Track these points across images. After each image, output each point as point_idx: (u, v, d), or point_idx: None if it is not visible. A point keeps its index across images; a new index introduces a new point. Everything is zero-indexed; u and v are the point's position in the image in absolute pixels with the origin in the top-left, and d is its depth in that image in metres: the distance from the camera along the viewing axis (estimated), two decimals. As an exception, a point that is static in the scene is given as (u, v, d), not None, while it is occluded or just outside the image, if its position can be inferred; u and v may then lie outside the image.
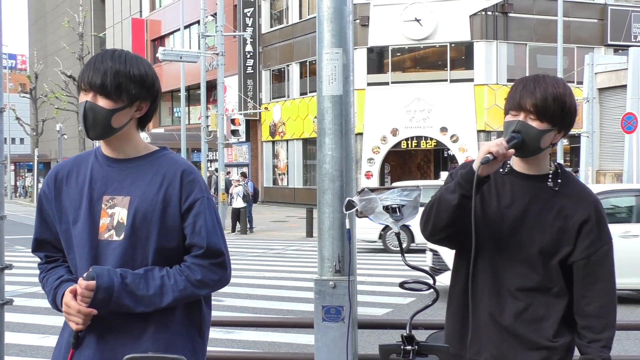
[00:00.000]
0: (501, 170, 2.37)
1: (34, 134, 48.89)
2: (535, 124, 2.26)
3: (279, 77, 35.52)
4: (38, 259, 2.34)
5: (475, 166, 2.19)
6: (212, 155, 32.17)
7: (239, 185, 22.57)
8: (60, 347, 2.26)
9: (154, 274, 2.16)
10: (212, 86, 28.41)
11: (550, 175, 2.36)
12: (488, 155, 2.16)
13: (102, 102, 2.15)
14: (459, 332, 2.36)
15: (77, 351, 2.20)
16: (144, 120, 2.29)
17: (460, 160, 27.70)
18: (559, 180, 2.35)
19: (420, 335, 2.36)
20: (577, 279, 2.30)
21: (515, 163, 2.39)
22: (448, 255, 8.69)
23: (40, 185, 43.66)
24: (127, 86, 2.17)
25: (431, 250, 10.02)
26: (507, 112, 2.36)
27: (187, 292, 2.18)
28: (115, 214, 2.19)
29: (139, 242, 2.18)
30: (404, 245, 14.48)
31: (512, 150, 2.21)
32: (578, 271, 2.30)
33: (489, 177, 2.23)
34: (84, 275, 2.11)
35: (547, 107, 2.25)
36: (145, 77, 2.22)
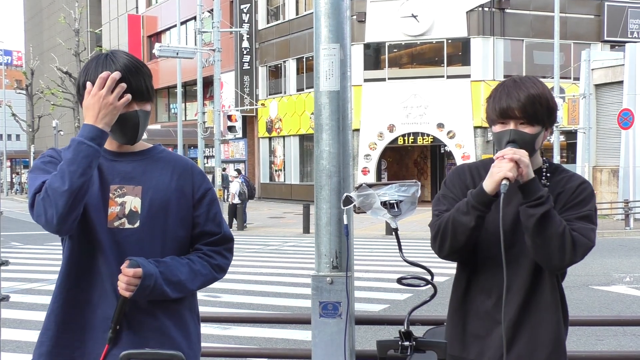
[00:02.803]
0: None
1: (30, 130, 48.83)
2: (527, 129, 2.28)
3: (275, 73, 35.49)
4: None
5: (489, 189, 2.20)
6: (209, 152, 32.19)
7: (235, 180, 22.57)
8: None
9: (181, 261, 2.26)
10: (208, 82, 28.42)
11: (543, 169, 2.40)
12: (505, 182, 2.16)
13: (146, 107, 2.26)
14: (461, 334, 2.38)
15: (112, 348, 2.19)
16: None
17: (457, 156, 27.73)
18: (548, 174, 2.40)
19: (418, 331, 2.36)
20: None
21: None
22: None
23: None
24: (152, 87, 2.29)
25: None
26: (494, 122, 2.35)
27: (210, 276, 2.33)
28: (127, 202, 2.23)
29: (155, 229, 2.23)
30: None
31: (523, 169, 2.19)
32: None
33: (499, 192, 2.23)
34: (126, 263, 2.14)
35: (535, 110, 2.27)
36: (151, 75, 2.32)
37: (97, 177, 2.22)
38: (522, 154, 2.19)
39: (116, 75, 2.13)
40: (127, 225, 2.21)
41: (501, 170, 2.17)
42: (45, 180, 2.10)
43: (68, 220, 2.08)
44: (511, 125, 2.28)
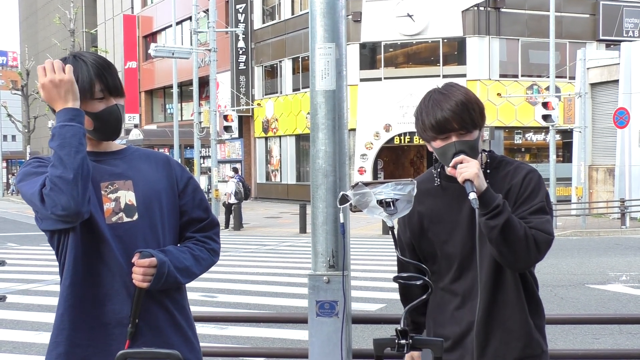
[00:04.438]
0: (436, 183, 2.45)
1: (26, 131, 48.70)
2: (468, 137, 2.31)
3: (271, 73, 35.47)
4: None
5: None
6: (205, 152, 32.13)
7: (231, 180, 22.55)
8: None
9: (182, 249, 2.31)
10: (204, 82, 28.36)
11: (482, 168, 2.39)
12: (475, 197, 2.17)
13: (122, 101, 2.33)
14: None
15: (133, 342, 2.21)
16: None
17: (453, 155, 27.69)
18: (488, 171, 2.40)
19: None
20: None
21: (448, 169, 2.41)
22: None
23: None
24: (122, 84, 2.35)
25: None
26: (432, 139, 2.35)
27: (210, 260, 2.38)
28: (120, 197, 2.25)
29: (153, 220, 2.28)
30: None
31: (475, 181, 2.22)
32: None
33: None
34: (138, 255, 2.17)
35: (471, 115, 2.31)
36: None
37: None
38: (473, 168, 2.21)
39: (57, 61, 2.16)
40: (126, 219, 2.24)
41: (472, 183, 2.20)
42: (45, 178, 2.09)
43: (84, 200, 2.08)
44: (453, 138, 2.30)
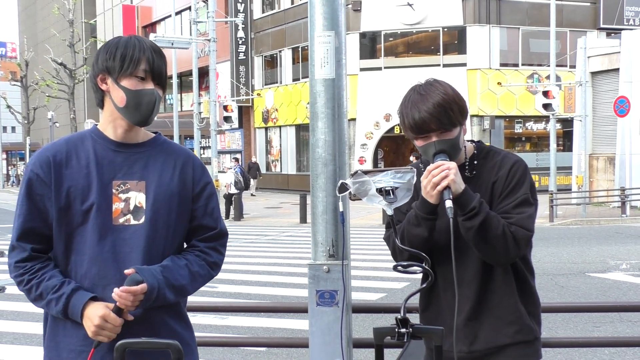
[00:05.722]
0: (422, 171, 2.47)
1: (26, 122, 48.68)
2: (448, 135, 2.33)
3: (271, 63, 35.38)
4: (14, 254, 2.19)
5: (432, 200, 2.28)
6: (205, 142, 32.14)
7: (230, 171, 22.54)
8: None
9: (180, 263, 2.23)
10: (204, 73, 28.31)
11: (466, 163, 2.44)
12: (450, 205, 2.21)
13: (161, 92, 2.26)
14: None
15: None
16: None
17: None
18: (475, 162, 2.43)
19: (415, 318, 2.36)
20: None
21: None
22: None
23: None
24: (167, 76, 2.31)
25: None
26: (414, 138, 2.39)
27: (207, 276, 2.30)
28: (131, 198, 2.19)
29: (160, 224, 2.21)
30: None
31: (453, 186, 2.26)
32: None
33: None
34: (127, 279, 2.09)
35: (449, 117, 2.32)
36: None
37: (96, 173, 2.18)
38: (451, 171, 2.24)
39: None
40: (133, 222, 2.18)
41: (438, 184, 2.24)
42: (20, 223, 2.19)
43: None
44: (433, 138, 2.33)
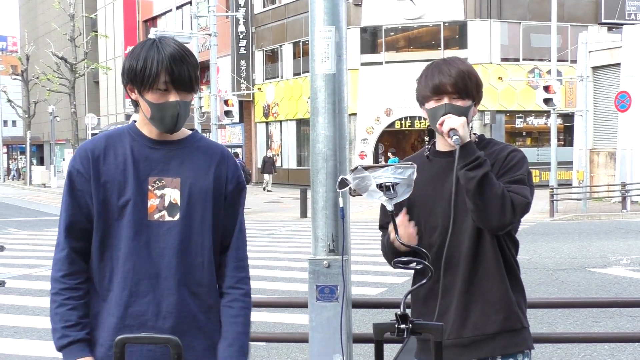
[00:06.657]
0: (425, 153, 2.56)
1: (26, 116, 48.60)
2: (460, 102, 2.43)
3: (272, 57, 35.35)
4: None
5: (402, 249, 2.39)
6: (206, 137, 32.13)
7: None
8: None
9: (237, 329, 2.25)
10: (205, 67, 28.26)
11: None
12: (457, 137, 2.32)
13: (187, 97, 2.22)
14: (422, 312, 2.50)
15: None
16: None
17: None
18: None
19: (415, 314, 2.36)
20: None
21: (439, 141, 2.54)
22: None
23: (33, 167, 43.12)
24: (197, 78, 2.26)
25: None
26: (426, 99, 2.48)
27: (249, 309, 2.32)
28: (166, 195, 2.21)
29: (195, 221, 2.22)
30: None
31: (459, 130, 2.35)
32: None
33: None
34: None
35: (465, 84, 2.43)
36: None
37: (133, 169, 2.19)
38: (459, 119, 2.36)
39: None
40: (167, 218, 2.19)
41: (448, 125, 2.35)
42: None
43: None
44: (445, 100, 2.43)
